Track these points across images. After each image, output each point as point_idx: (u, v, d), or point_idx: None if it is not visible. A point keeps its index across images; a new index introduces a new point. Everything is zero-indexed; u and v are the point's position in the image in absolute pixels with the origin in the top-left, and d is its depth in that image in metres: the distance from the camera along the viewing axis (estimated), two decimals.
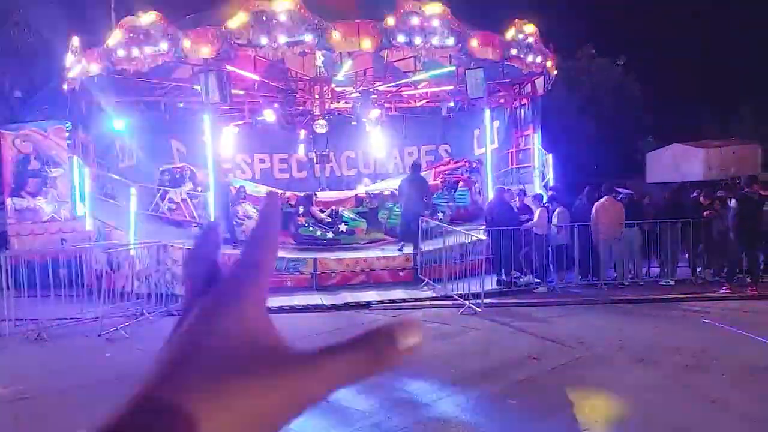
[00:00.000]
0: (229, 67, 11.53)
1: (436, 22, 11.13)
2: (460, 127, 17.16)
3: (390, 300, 10.26)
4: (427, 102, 16.87)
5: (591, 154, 23.70)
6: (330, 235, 12.53)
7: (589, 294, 10.76)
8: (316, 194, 13.59)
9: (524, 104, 15.66)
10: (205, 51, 10.13)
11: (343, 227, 12.66)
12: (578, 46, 27.91)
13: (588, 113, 26.08)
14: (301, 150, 16.63)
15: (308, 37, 10.33)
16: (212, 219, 10.74)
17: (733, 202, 10.15)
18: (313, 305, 9.94)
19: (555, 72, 13.99)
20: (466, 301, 9.68)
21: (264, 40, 10.10)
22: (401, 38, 10.97)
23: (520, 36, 12.52)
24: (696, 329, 8.34)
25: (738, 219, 9.93)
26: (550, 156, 15.50)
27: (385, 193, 13.85)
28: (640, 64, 28.62)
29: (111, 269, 10.58)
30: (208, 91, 10.15)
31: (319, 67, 13.95)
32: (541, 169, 15.12)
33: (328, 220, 12.73)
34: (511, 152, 16.21)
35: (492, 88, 15.31)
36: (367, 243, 12.77)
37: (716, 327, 8.33)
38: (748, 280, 10.44)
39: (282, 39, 10.15)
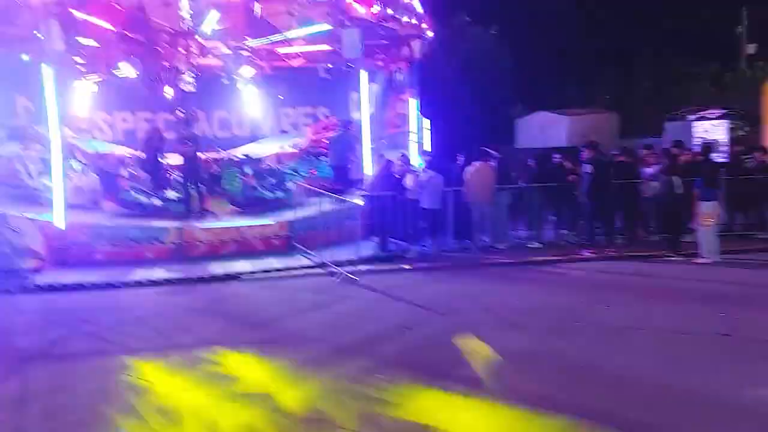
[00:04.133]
0: (77, 14, 10.21)
1: None
2: (337, 89, 16.65)
3: (263, 270, 9.76)
4: (304, 62, 16.15)
5: (465, 121, 24.16)
6: (157, 201, 11.47)
7: (462, 258, 10.90)
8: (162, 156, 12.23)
9: (401, 68, 15.42)
10: None
11: (171, 194, 11.61)
12: (452, 14, 28.18)
13: (463, 80, 26.51)
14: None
15: None
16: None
17: (587, 167, 10.62)
18: (176, 279, 9.21)
19: (431, 34, 13.81)
20: (342, 270, 9.42)
21: None
22: None
23: None
24: (560, 291, 8.65)
25: (593, 183, 10.44)
26: (427, 121, 15.48)
27: (234, 158, 12.91)
28: (512, 34, 29.44)
29: None
30: (51, 38, 8.89)
31: (186, 19, 12.80)
32: (418, 135, 15.08)
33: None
34: (389, 116, 16.01)
35: (369, 50, 14.95)
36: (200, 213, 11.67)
37: (580, 288, 8.72)
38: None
39: None
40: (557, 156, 12.59)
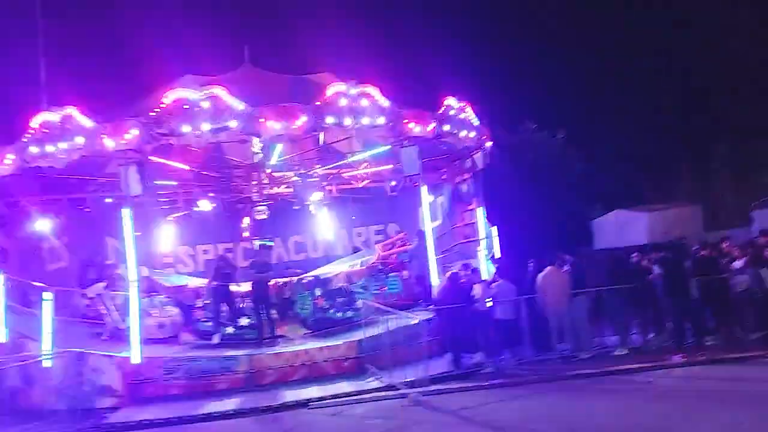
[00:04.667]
0: (155, 159, 11.15)
1: (365, 102, 11.07)
2: (405, 204, 17.01)
3: (331, 395, 9.53)
4: (370, 182, 16.73)
5: (537, 226, 23.80)
6: (230, 330, 11.56)
7: (541, 370, 10.26)
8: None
9: (466, 179, 15.62)
10: (124, 143, 9.74)
11: (244, 321, 11.69)
12: (519, 121, 28.72)
13: (532, 186, 26.44)
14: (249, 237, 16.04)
15: (233, 123, 10.07)
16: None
17: (656, 268, 10.03)
18: (246, 409, 9.13)
19: (490, 144, 14.03)
20: (411, 390, 9.05)
21: (186, 128, 9.79)
22: (330, 119, 10.83)
23: (452, 112, 12.58)
24: (650, 404, 7.89)
25: (667, 282, 9.79)
26: (494, 228, 15.35)
27: (304, 280, 13.06)
28: (580, 136, 29.49)
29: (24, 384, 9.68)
30: (129, 183, 9.68)
31: (257, 153, 13.69)
32: (487, 243, 14.92)
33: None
34: (457, 227, 16.03)
35: (433, 164, 15.32)
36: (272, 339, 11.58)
37: (671, 399, 7.93)
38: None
39: (205, 126, 9.87)
40: (635, 255, 12.03)
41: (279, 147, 12.89)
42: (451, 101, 12.68)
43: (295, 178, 14.34)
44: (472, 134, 13.17)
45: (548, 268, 11.25)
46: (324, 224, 16.12)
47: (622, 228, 19.83)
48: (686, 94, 29.30)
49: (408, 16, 30.25)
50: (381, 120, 11.30)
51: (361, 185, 16.68)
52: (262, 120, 10.44)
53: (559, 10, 31.77)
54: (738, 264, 10.47)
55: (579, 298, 11.07)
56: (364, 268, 13.87)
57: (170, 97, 9.80)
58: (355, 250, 16.74)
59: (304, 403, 9.31)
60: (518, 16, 32.55)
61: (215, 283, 11.61)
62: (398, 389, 9.36)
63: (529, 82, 31.15)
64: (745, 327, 10.77)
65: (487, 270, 13.38)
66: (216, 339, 11.20)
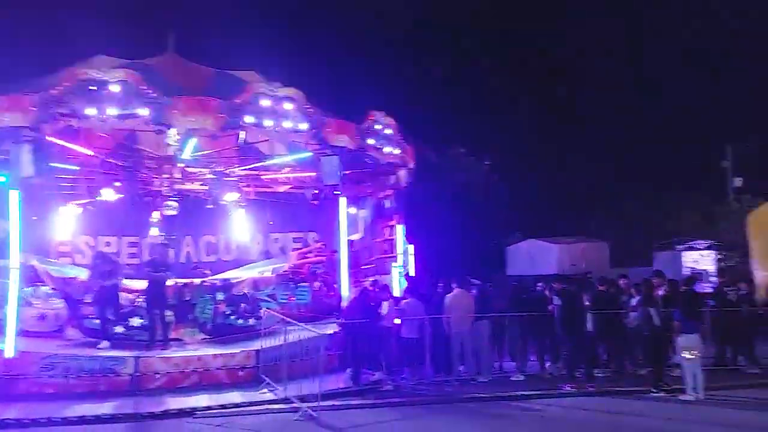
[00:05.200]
0: (55, 140, 10.44)
1: (288, 105, 10.83)
2: (327, 215, 16.75)
3: (220, 405, 9.12)
4: (292, 187, 16.41)
5: (455, 247, 24.15)
6: (119, 329, 10.92)
7: (439, 391, 10.26)
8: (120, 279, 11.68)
9: (389, 195, 15.60)
10: (20, 118, 9.03)
11: (136, 321, 11.09)
12: (448, 145, 29.22)
13: (455, 208, 26.88)
14: (154, 232, 15.32)
15: (143, 111, 9.57)
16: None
17: (555, 299, 10.30)
18: (125, 414, 8.56)
19: (412, 164, 14.06)
20: (305, 404, 8.79)
21: (91, 111, 9.21)
22: (249, 119, 10.51)
23: (378, 127, 12.53)
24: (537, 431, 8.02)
25: (563, 315, 10.06)
26: (411, 246, 15.37)
27: (207, 283, 12.56)
28: (505, 166, 30.32)
29: None
30: (20, 163, 8.97)
31: (172, 145, 13.10)
32: (403, 260, 14.91)
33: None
34: (377, 242, 15.97)
35: (356, 177, 15.21)
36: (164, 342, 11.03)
37: (552, 428, 8.09)
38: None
39: (112, 111, 9.32)
40: (540, 284, 12.28)
41: (193, 141, 12.36)
42: (377, 115, 12.64)
43: (210, 176, 13.83)
44: (397, 151, 13.15)
45: (456, 290, 11.30)
46: (239, 226, 15.60)
47: (534, 257, 20.41)
48: (609, 142, 30.82)
49: (349, 35, 30.28)
50: (304, 125, 11.08)
51: (281, 190, 16.33)
52: (175, 111, 10.00)
53: (502, 46, 32.68)
54: (633, 301, 10.88)
55: (482, 322, 11.17)
56: (273, 275, 13.50)
57: (76, 75, 9.20)
58: (268, 256, 16.35)
59: (190, 412, 8.84)
60: (460, 47, 33.29)
61: (97, 281, 10.93)
62: (292, 402, 9.08)
63: (465, 109, 31.87)
64: (635, 362, 11.19)
65: (398, 287, 13.35)
66: (103, 345, 10.49)
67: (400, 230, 14.96)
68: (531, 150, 31.26)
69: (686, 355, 9.04)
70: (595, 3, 32.74)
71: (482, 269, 22.60)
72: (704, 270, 18.03)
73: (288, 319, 10.42)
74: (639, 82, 32.64)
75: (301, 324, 10.18)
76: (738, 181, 30.90)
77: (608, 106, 31.18)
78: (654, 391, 9.59)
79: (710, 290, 12.96)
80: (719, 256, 20.07)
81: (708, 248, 19.84)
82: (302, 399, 8.97)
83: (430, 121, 28.84)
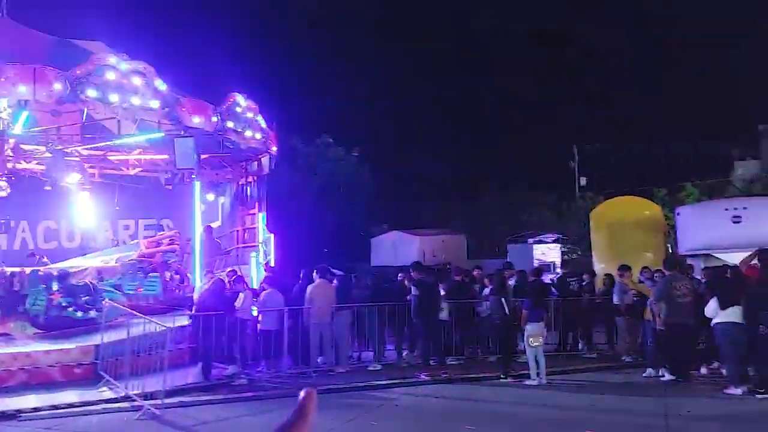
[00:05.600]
0: None
1: (137, 81, 9.97)
2: (183, 200, 15.80)
3: (51, 406, 8.20)
4: (143, 170, 15.28)
5: (321, 237, 23.99)
6: None
7: (295, 384, 9.99)
8: None
9: (251, 182, 15.02)
10: None
11: None
12: (316, 133, 28.93)
13: (322, 198, 26.71)
14: None
15: None
16: None
17: (413, 289, 10.48)
18: None
19: (275, 150, 13.62)
20: (148, 402, 8.15)
21: None
22: (92, 92, 9.54)
23: (238, 109, 11.96)
24: (387, 420, 8.03)
25: (419, 304, 10.25)
26: (272, 236, 14.94)
27: (40, 272, 11.36)
28: (375, 157, 30.66)
29: None
30: None
31: (3, 119, 11.62)
32: (264, 250, 14.45)
33: None
34: (238, 231, 15.34)
35: (216, 161, 14.48)
36: None
37: (403, 417, 8.17)
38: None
39: None
40: (401, 275, 12.41)
41: (25, 114, 11.05)
42: (238, 98, 12.07)
43: (48, 155, 12.47)
44: (258, 135, 12.64)
45: (318, 280, 11.10)
46: (83, 211, 14.23)
47: (397, 248, 20.71)
48: (471, 139, 32.33)
49: (217, 17, 29.00)
50: (155, 103, 10.28)
51: (132, 173, 15.17)
52: (4, 79, 8.84)
53: (369, 36, 32.98)
54: (486, 291, 11.32)
55: (343, 312, 11.08)
56: (118, 264, 12.46)
57: None
58: (117, 244, 15.16)
59: (13, 415, 7.87)
60: (330, 36, 33.13)
61: None
62: (134, 401, 8.38)
63: (334, 99, 31.80)
64: (487, 349, 11.66)
65: (258, 277, 12.90)
66: None
67: (261, 219, 14.49)
68: (398, 143, 31.95)
69: (532, 342, 9.52)
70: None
71: (348, 260, 22.66)
72: (552, 262, 19.34)
73: (133, 312, 9.64)
74: (498, 88, 34.48)
75: (146, 316, 9.44)
76: (583, 180, 33.80)
77: (469, 107, 32.67)
78: (503, 377, 10.02)
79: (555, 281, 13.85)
80: (565, 249, 21.63)
81: (555, 241, 21.31)
82: (146, 397, 8.32)
83: (298, 109, 28.49)
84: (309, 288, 11.11)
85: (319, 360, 11.00)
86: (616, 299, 11.30)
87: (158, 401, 8.14)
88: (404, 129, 32.39)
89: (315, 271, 11.39)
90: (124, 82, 9.81)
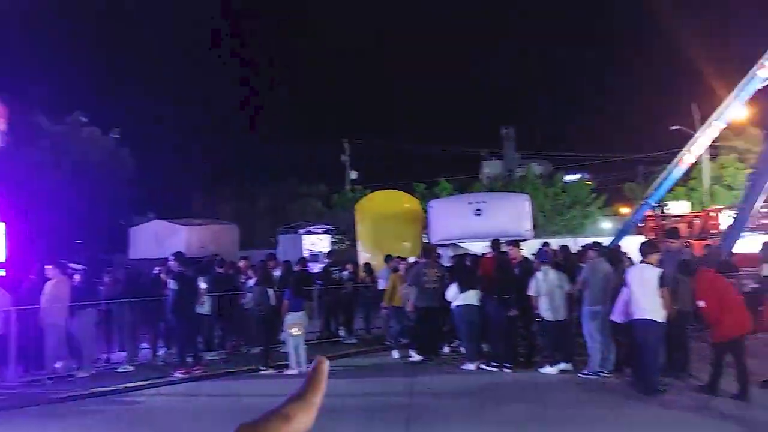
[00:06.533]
0: None
1: None
2: None
3: None
4: None
5: (78, 228, 21.47)
6: None
7: (25, 395, 8.69)
8: None
9: None
10: None
11: None
12: (68, 112, 25.79)
13: (76, 183, 23.88)
14: None
15: None
16: None
17: (171, 282, 9.88)
18: None
19: (4, 125, 11.74)
20: None
21: None
22: None
23: None
24: (132, 426, 7.37)
25: (178, 298, 9.68)
26: (2, 225, 12.86)
27: None
28: (135, 140, 28.33)
29: None
30: None
31: None
32: None
33: None
34: None
35: None
36: None
37: (148, 422, 7.59)
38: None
39: None
40: (158, 268, 11.52)
41: None
42: None
43: None
44: None
45: (53, 276, 9.78)
46: None
47: (161, 239, 19.30)
48: (245, 128, 31.60)
49: None
50: None
51: None
52: None
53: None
54: (250, 282, 11.04)
55: (87, 311, 9.92)
56: None
57: None
58: None
59: None
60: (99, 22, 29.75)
61: None
62: None
63: (88, 76, 28.63)
64: (250, 342, 11.40)
65: None
66: None
67: None
68: (166, 126, 30.00)
69: (292, 331, 9.50)
70: None
71: (106, 252, 20.62)
72: (320, 252, 19.72)
73: None
74: (267, 78, 34.18)
75: None
76: (354, 174, 35.30)
77: (233, 94, 31.94)
78: (263, 369, 9.86)
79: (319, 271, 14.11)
80: (335, 240, 22.25)
81: (325, 232, 21.81)
82: None
83: (44, 83, 25.05)
84: (46, 286, 9.75)
85: (57, 365, 9.72)
86: (382, 284, 11.76)
87: None
88: (172, 112, 30.49)
89: (51, 265, 10.03)
90: None
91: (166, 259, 11.25)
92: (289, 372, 9.60)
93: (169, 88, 30.55)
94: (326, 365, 0.60)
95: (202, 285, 10.78)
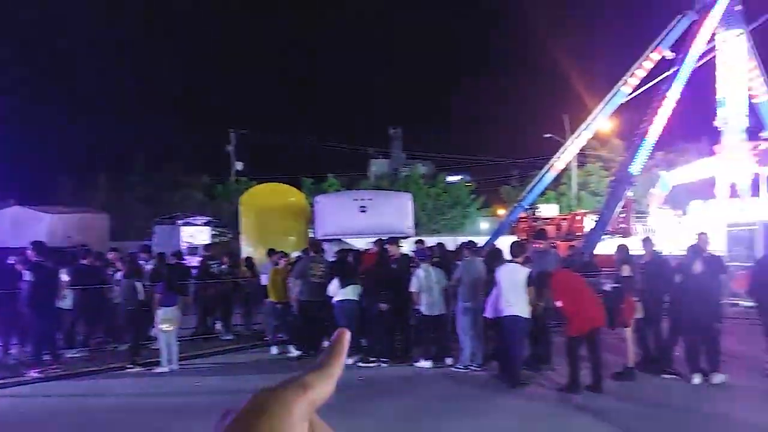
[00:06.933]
0: None
1: None
2: None
3: None
4: None
5: None
6: None
7: None
8: None
9: None
10: None
11: None
12: None
13: None
14: None
15: None
16: None
17: (27, 274, 9.12)
18: None
19: None
20: None
21: None
22: None
23: None
24: None
25: (33, 290, 8.95)
26: None
27: None
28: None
29: None
30: None
31: None
32: None
33: None
34: None
35: None
36: None
37: None
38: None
39: None
40: (14, 258, 10.52)
41: None
42: None
43: None
44: None
45: None
46: None
47: (21, 227, 17.73)
48: (118, 109, 29.75)
49: None
50: None
51: None
52: None
53: None
54: (118, 275, 10.40)
55: None
56: None
57: None
58: None
59: None
60: None
61: None
62: None
63: None
64: (117, 338, 10.74)
65: None
66: None
67: None
68: (32, 101, 27.53)
69: (163, 327, 9.06)
70: None
71: None
72: (200, 244, 18.98)
73: None
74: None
75: None
76: (240, 165, 34.36)
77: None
78: (130, 366, 9.32)
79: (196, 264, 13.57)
80: (216, 232, 21.51)
81: (205, 224, 21.02)
82: None
83: None
84: None
85: None
86: (264, 280, 11.49)
87: None
88: (39, 84, 28.03)
89: None
90: None
91: (24, 249, 10.31)
92: (159, 369, 9.14)
93: (41, 61, 28.15)
94: (347, 336, 0.63)
95: (64, 277, 10.02)
